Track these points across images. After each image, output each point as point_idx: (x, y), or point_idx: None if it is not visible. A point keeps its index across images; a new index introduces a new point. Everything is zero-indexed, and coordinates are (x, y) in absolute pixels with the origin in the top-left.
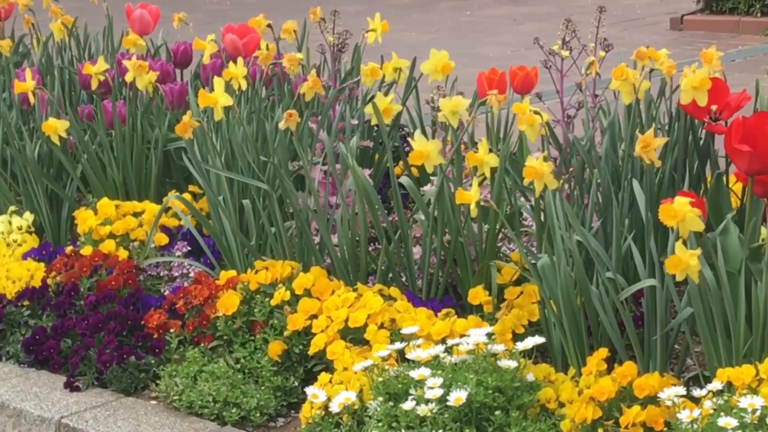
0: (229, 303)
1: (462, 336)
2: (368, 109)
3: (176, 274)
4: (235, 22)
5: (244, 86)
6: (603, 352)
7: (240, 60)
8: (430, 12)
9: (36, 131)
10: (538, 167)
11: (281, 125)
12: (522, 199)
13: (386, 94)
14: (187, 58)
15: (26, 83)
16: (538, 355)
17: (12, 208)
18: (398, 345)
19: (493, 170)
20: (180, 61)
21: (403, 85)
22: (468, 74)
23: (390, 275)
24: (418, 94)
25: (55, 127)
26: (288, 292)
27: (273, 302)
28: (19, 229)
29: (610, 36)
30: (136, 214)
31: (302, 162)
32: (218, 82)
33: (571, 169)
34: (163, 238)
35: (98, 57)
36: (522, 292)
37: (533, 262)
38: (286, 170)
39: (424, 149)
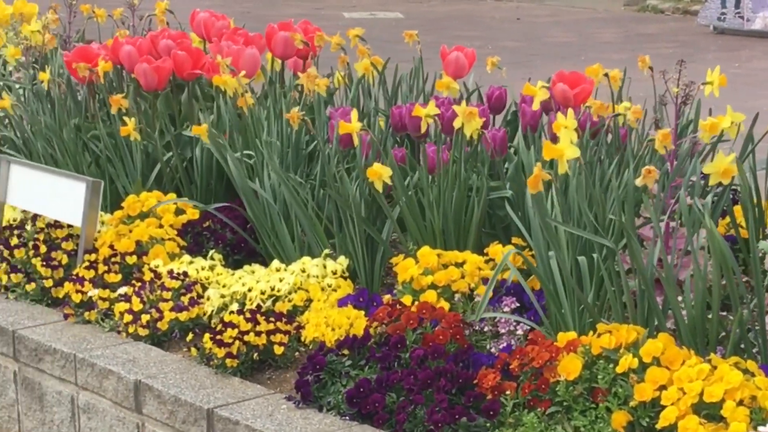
0: (570, 367)
1: None
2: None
3: (503, 330)
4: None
5: (574, 139)
6: None
7: (570, 112)
8: (696, 62)
9: (350, 173)
10: None
11: (638, 182)
12: None
13: (713, 148)
14: (501, 103)
15: (352, 124)
16: None
17: (326, 251)
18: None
19: None
20: (494, 106)
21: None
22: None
23: (742, 345)
24: (754, 153)
25: (380, 172)
26: (635, 360)
27: (619, 369)
28: (334, 273)
29: None
30: (457, 265)
31: (652, 218)
32: (565, 133)
33: None
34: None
35: (410, 100)
36: None
37: None
38: (632, 227)
39: None
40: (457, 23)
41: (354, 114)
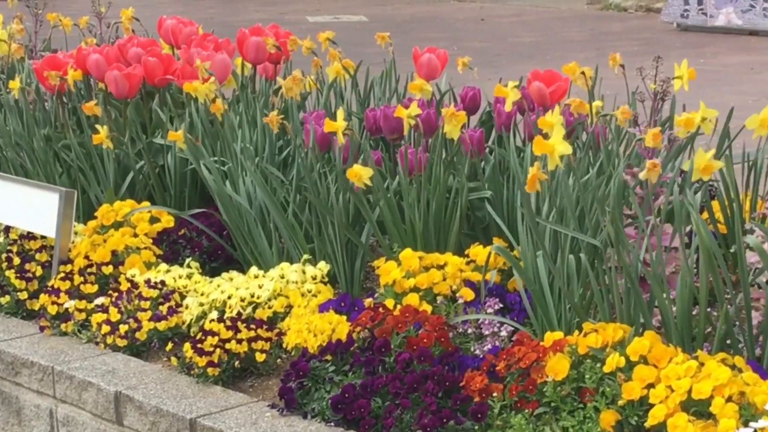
0: (558, 367)
1: None
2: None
3: (486, 332)
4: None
5: (563, 134)
6: None
7: (557, 108)
8: (662, 59)
9: (327, 177)
10: None
11: (642, 175)
12: None
13: (685, 144)
14: (475, 104)
15: (338, 123)
16: None
17: (306, 256)
18: (762, 423)
19: None
20: (468, 107)
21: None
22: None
23: (728, 341)
24: (731, 149)
25: (360, 174)
26: (622, 358)
27: (606, 368)
28: (314, 279)
29: None
30: (438, 267)
31: (638, 215)
32: (557, 129)
33: None
34: (468, 293)
35: (383, 102)
36: None
37: None
38: (618, 225)
39: None
40: (422, 25)
41: (340, 112)
